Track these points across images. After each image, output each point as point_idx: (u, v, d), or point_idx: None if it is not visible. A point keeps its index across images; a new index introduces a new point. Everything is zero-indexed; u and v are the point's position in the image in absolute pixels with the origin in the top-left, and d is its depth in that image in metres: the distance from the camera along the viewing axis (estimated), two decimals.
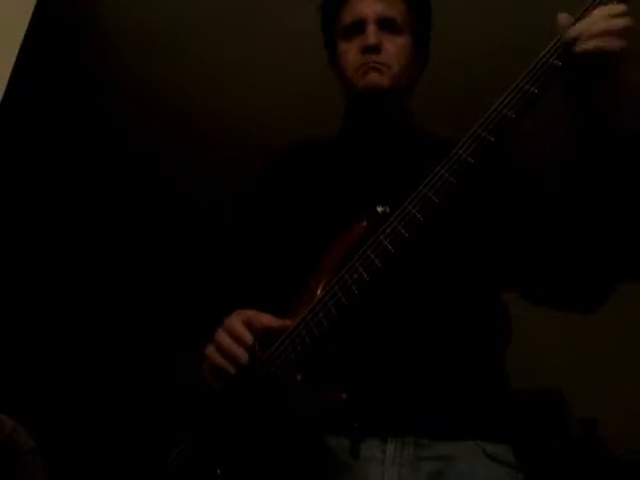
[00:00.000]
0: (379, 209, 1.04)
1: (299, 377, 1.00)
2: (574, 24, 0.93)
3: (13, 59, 1.80)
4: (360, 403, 0.96)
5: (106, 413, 3.49)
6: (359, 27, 1.23)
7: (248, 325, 1.05)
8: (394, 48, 1.22)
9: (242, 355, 1.03)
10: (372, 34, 1.21)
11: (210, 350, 1.08)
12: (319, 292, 1.04)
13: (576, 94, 0.97)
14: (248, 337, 1.04)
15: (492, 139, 0.94)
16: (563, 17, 0.94)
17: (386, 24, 1.22)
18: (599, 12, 0.92)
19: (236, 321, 1.07)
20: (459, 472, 1.00)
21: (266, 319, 1.05)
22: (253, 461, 1.00)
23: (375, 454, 1.00)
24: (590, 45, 0.91)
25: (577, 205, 1.03)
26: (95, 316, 3.72)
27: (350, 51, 1.23)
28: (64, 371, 3.51)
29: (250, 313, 1.07)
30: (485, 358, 1.10)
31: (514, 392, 1.13)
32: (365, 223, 1.06)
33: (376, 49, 1.20)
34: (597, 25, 0.91)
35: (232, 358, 1.04)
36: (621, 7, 0.92)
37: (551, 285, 1.13)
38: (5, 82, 1.77)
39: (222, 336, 1.06)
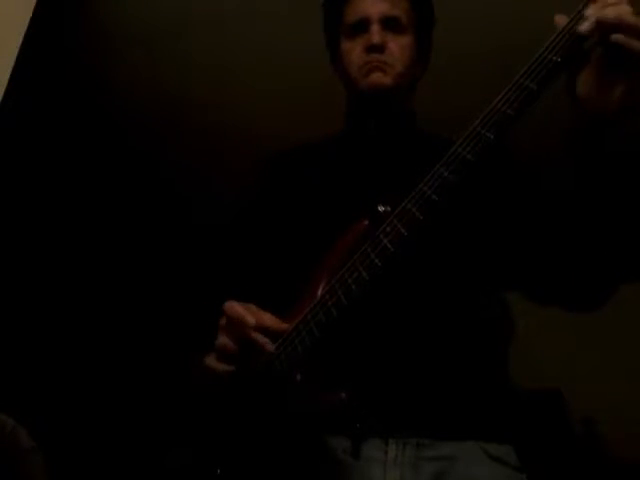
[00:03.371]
0: (380, 208, 1.04)
1: (299, 377, 0.99)
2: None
3: (13, 59, 1.80)
4: (361, 403, 0.95)
5: (106, 413, 3.49)
6: (363, 26, 1.23)
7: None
8: (397, 47, 1.22)
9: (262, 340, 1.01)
10: (376, 33, 1.21)
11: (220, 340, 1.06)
12: (320, 291, 1.04)
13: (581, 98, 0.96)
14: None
15: (491, 137, 0.93)
16: (561, 19, 0.94)
17: (390, 23, 1.23)
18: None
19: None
20: (461, 472, 1.00)
21: (268, 318, 1.04)
22: (253, 461, 0.99)
23: (376, 455, 1.00)
24: (619, 37, 0.89)
25: (578, 205, 1.02)
26: (95, 316, 3.72)
27: (353, 50, 1.24)
28: (64, 371, 3.51)
29: (252, 308, 1.05)
30: (486, 358, 1.10)
31: (514, 392, 1.13)
32: (366, 222, 1.05)
33: (380, 48, 1.21)
34: (617, 9, 0.89)
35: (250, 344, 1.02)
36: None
37: (553, 284, 1.12)
38: (5, 82, 1.77)
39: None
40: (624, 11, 0.89)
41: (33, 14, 1.89)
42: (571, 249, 1.05)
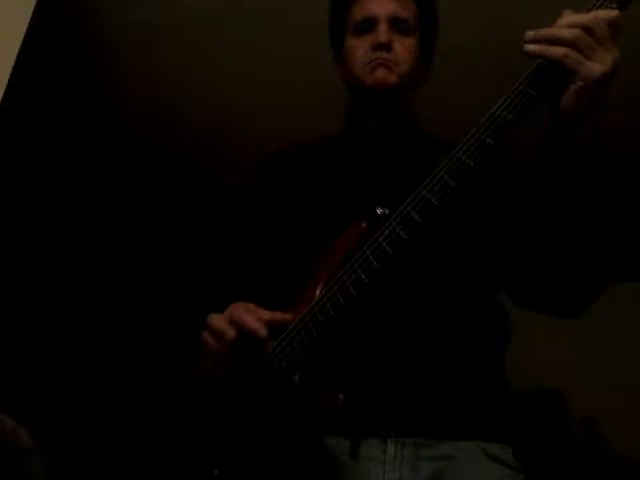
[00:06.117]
0: (379, 211, 1.04)
1: (297, 378, 1.00)
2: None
3: (13, 59, 1.80)
4: (359, 404, 0.95)
5: (106, 413, 3.50)
6: (370, 25, 1.24)
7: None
8: (403, 48, 1.23)
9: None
10: (384, 32, 1.22)
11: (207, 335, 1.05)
12: (318, 293, 1.04)
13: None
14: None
15: (491, 142, 0.94)
16: (568, 14, 0.94)
17: (398, 25, 1.24)
18: (565, 19, 0.92)
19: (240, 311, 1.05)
20: (459, 472, 1.00)
21: (266, 315, 1.04)
22: (251, 462, 1.00)
23: (375, 454, 1.00)
24: (531, 47, 0.92)
25: (555, 210, 1.02)
26: (95, 316, 3.72)
27: (359, 47, 1.25)
28: (64, 371, 3.51)
29: (250, 306, 1.05)
30: (484, 358, 1.10)
31: (514, 392, 1.13)
32: (364, 225, 1.06)
33: (387, 47, 1.21)
34: (549, 30, 0.92)
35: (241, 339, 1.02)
36: (605, 13, 0.90)
37: (536, 289, 1.12)
38: (5, 82, 1.76)
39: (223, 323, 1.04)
40: (557, 24, 0.91)
41: (33, 14, 1.89)
42: (552, 253, 1.05)
